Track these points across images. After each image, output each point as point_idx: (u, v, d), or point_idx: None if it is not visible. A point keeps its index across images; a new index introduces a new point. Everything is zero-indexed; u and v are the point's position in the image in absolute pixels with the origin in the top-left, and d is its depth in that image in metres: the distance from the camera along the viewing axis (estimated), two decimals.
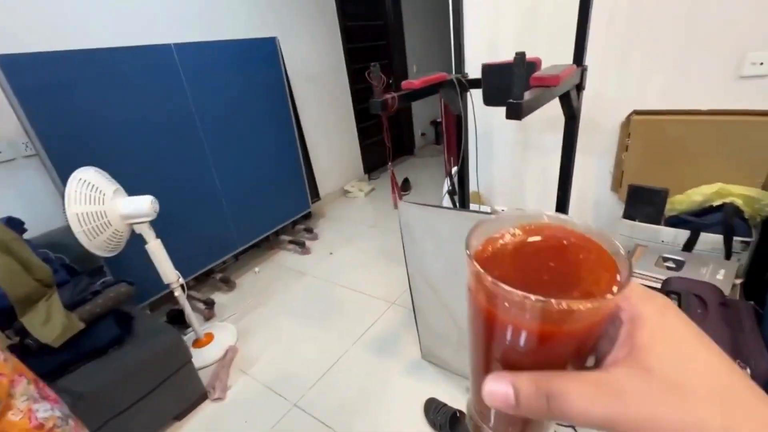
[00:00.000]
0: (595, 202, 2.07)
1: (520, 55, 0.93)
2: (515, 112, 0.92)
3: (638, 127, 1.72)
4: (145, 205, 1.65)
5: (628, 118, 1.75)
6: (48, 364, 1.21)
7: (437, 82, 1.50)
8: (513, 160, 2.24)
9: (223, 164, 2.42)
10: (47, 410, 0.75)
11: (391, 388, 1.65)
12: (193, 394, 1.60)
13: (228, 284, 2.53)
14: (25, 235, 1.63)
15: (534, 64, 1.30)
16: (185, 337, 2.02)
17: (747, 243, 1.43)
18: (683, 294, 1.18)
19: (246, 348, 2.00)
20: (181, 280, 1.83)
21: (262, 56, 2.55)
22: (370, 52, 4.05)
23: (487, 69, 1.43)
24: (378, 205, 3.65)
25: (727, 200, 1.48)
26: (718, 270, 1.35)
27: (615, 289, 0.19)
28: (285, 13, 3.02)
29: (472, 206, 2.09)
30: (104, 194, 1.60)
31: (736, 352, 1.00)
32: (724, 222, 1.44)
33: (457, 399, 1.52)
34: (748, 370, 0.95)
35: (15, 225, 1.53)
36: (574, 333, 0.19)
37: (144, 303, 2.06)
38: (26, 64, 1.60)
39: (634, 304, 0.20)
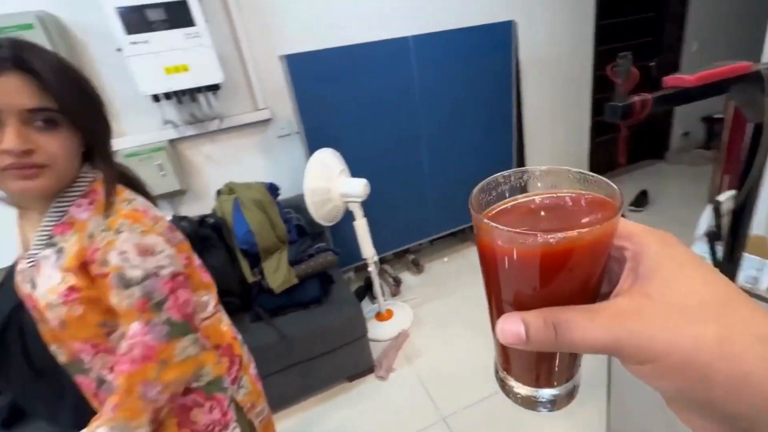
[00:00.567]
0: None
1: None
2: None
3: None
4: (359, 187, 1.86)
5: None
6: (270, 302, 1.56)
7: (730, 77, 1.01)
8: None
9: (434, 151, 2.48)
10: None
11: None
12: (364, 365, 1.78)
13: (417, 267, 2.66)
14: (279, 197, 2.12)
15: None
16: (370, 308, 2.25)
17: None
18: None
19: (416, 336, 2.06)
20: (376, 258, 2.02)
21: (494, 42, 2.42)
22: (630, 28, 3.26)
23: None
24: None
25: None
26: None
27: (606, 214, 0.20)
28: None
29: (750, 258, 1.41)
30: (332, 173, 1.89)
31: None
32: None
33: None
34: None
35: (273, 190, 2.00)
36: (576, 264, 0.19)
37: (348, 267, 2.41)
38: (302, 60, 2.01)
39: (637, 242, 0.20)
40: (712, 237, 1.28)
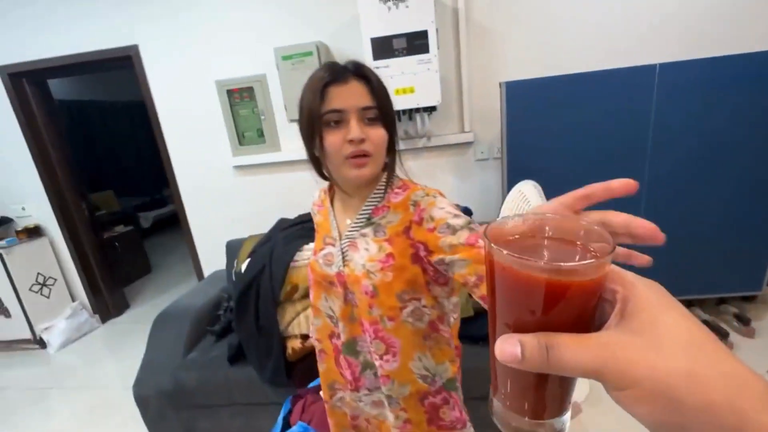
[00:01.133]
0: None
1: None
2: None
3: None
4: None
5: None
6: None
7: None
8: None
9: (657, 201, 2.03)
10: None
11: None
12: None
13: None
14: None
15: None
16: None
17: None
18: None
19: (591, 413, 1.70)
20: None
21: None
22: None
23: None
24: None
25: None
26: None
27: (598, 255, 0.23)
28: None
29: None
30: (530, 208, 1.74)
31: None
32: None
33: None
34: None
35: (467, 213, 1.98)
36: (570, 295, 0.22)
37: None
38: (521, 87, 1.94)
39: (628, 287, 0.23)
40: None
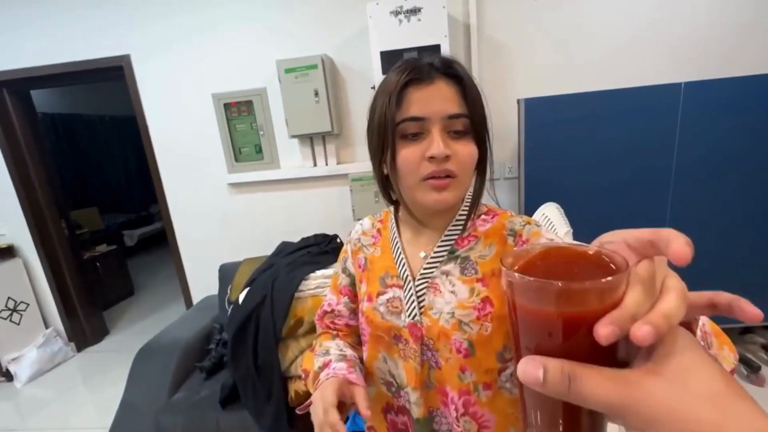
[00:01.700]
0: None
1: None
2: None
3: None
4: None
5: None
6: None
7: None
8: None
9: (683, 220, 1.93)
10: None
11: None
12: None
13: None
14: None
15: None
16: None
17: None
18: None
19: None
20: None
21: None
22: None
23: None
24: None
25: None
26: None
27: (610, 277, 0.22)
28: None
29: None
30: (557, 234, 1.62)
31: None
32: None
33: None
34: None
35: None
36: (586, 318, 0.22)
37: None
38: (540, 105, 1.85)
39: None
40: None
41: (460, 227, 0.62)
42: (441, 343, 0.58)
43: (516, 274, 0.24)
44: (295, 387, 1.37)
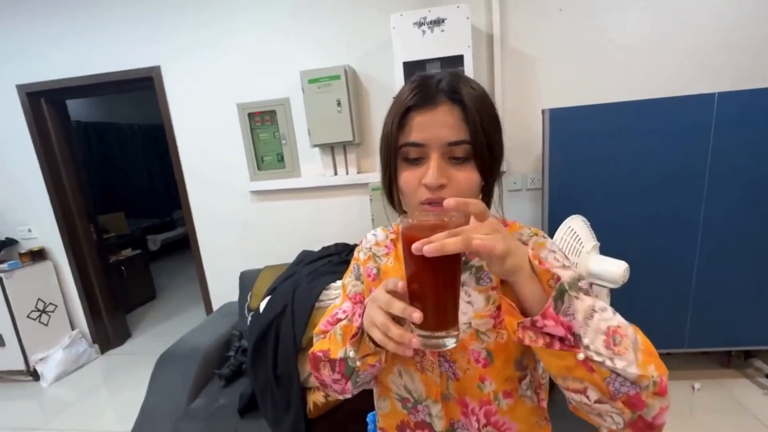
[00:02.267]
0: None
1: None
2: None
3: None
4: (617, 270, 1.47)
5: None
6: None
7: None
8: None
9: (715, 243, 1.84)
10: None
11: None
12: None
13: None
14: None
15: None
16: None
17: None
18: None
19: None
20: None
21: None
22: None
23: None
24: None
25: None
26: None
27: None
28: None
29: None
30: (583, 247, 1.56)
31: None
32: None
33: None
34: None
35: None
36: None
37: None
38: (566, 115, 1.81)
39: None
40: None
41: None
42: (458, 354, 0.58)
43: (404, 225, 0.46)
44: (314, 398, 1.35)
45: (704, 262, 1.88)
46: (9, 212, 2.74)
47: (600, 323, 0.44)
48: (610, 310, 0.47)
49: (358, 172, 2.27)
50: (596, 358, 0.43)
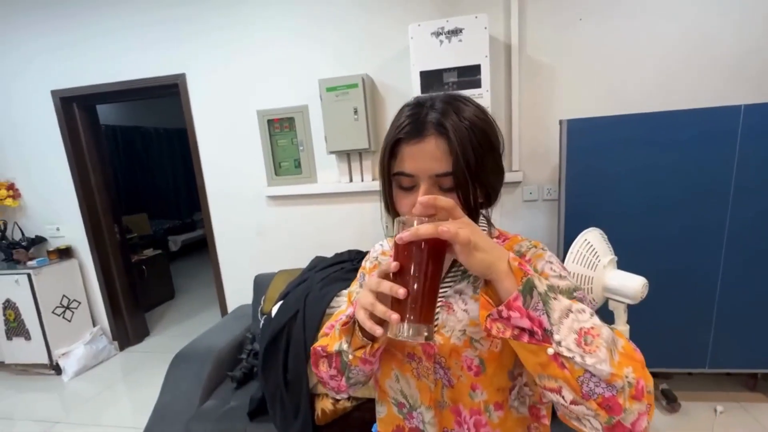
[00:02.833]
0: None
1: None
2: None
3: None
4: (635, 286, 1.43)
5: None
6: None
7: None
8: None
9: (740, 258, 1.78)
10: None
11: None
12: None
13: (670, 402, 1.91)
14: None
15: None
16: None
17: None
18: None
19: None
20: None
21: None
22: None
23: None
24: None
25: None
26: None
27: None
28: None
29: None
30: (599, 261, 1.53)
31: None
32: None
33: None
34: None
35: None
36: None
37: None
38: (584, 126, 1.78)
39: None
40: None
41: None
42: (452, 361, 0.59)
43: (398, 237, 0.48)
44: (323, 405, 1.36)
45: (728, 277, 1.81)
46: (40, 211, 2.87)
47: (574, 323, 0.45)
48: (588, 312, 0.47)
49: (373, 180, 2.29)
50: (566, 353, 0.44)
